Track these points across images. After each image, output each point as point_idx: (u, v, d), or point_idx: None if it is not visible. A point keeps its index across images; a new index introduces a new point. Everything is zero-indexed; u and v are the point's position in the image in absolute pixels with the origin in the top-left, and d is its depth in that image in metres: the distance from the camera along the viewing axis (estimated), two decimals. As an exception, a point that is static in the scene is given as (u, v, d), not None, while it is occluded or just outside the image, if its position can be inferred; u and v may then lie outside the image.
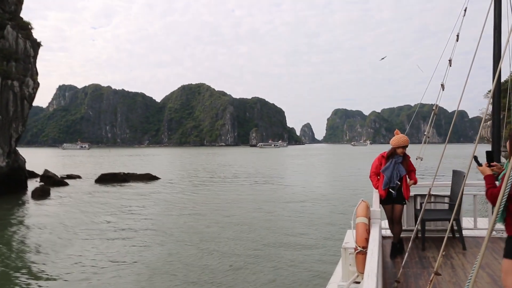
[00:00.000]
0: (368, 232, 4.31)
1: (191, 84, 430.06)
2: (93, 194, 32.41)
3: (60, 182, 38.39)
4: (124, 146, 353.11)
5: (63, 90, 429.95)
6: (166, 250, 15.47)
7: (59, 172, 53.63)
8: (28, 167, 54.59)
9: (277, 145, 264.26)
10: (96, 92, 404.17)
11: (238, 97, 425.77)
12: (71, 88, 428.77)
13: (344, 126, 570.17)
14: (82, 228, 19.85)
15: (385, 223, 6.63)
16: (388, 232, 6.73)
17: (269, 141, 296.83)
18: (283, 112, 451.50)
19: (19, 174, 31.37)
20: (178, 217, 22.25)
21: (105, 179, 41.70)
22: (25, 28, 30.69)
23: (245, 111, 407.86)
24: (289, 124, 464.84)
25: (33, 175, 44.91)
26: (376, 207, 5.48)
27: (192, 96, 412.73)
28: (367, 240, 4.18)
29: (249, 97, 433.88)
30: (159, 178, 44.44)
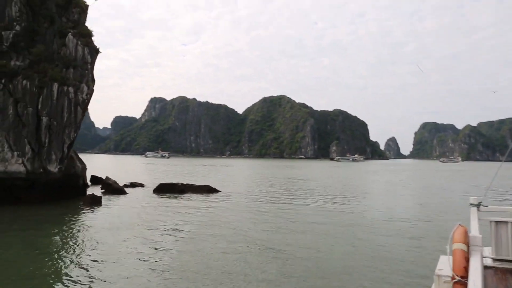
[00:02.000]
0: (466, 260, 4.02)
1: (272, 96, 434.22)
2: (141, 205, 31.02)
3: (118, 190, 38.14)
4: (206, 156, 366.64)
5: (154, 102, 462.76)
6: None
7: (128, 179, 54.86)
8: (103, 173, 56.78)
9: (355, 159, 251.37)
10: (182, 104, 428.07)
11: (319, 109, 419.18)
12: (161, 100, 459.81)
13: (434, 141, 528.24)
14: (112, 242, 18.45)
15: (488, 251, 5.84)
16: (489, 262, 5.80)
17: (347, 155, 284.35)
18: (366, 125, 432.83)
19: (74, 181, 31.20)
20: (207, 241, 19.14)
21: (163, 189, 40.77)
22: (85, 36, 30.76)
23: (326, 124, 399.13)
24: (373, 138, 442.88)
25: (100, 181, 45.86)
26: (476, 232, 4.86)
27: (273, 108, 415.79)
28: (465, 269, 3.91)
29: (331, 109, 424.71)
30: (219, 191, 42.25)
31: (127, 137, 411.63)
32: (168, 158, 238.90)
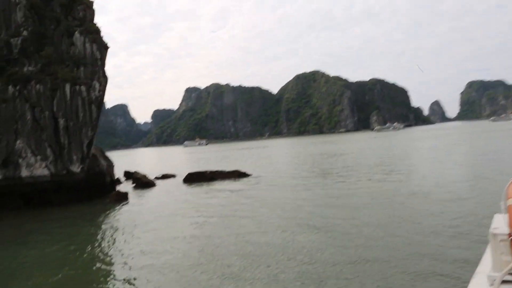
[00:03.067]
0: None
1: (305, 72, 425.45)
2: (167, 197, 30.78)
3: (147, 183, 38.25)
4: (245, 140, 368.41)
5: (189, 92, 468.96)
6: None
7: (162, 170, 55.32)
8: (139, 168, 57.71)
9: (395, 128, 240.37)
10: (217, 90, 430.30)
11: (355, 81, 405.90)
12: (196, 89, 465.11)
13: (482, 99, 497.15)
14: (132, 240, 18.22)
15: None
16: None
17: (387, 124, 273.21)
18: (406, 91, 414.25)
19: (99, 179, 31.36)
20: (237, 225, 18.14)
21: (192, 178, 40.42)
22: (92, 32, 30.31)
23: (364, 94, 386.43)
24: (415, 103, 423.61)
25: (132, 176, 46.35)
26: None
27: (308, 85, 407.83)
28: None
29: (367, 79, 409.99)
30: (249, 175, 41.27)
31: (167, 129, 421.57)
32: (206, 145, 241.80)
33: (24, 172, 28.29)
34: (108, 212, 26.34)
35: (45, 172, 28.31)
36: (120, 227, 21.51)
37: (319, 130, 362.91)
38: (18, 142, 28.19)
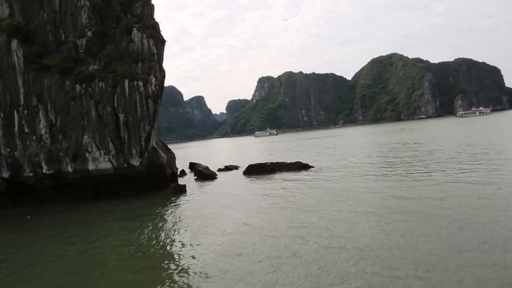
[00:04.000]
0: None
1: (381, 56, 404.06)
2: (225, 190, 30.63)
3: (208, 175, 38.61)
4: (319, 128, 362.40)
5: (262, 81, 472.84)
6: None
7: (227, 161, 55.90)
8: (205, 159, 59.00)
9: (482, 113, 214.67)
10: (289, 79, 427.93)
11: (437, 62, 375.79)
12: (268, 78, 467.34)
13: None
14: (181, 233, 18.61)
15: None
16: None
17: (472, 108, 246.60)
18: (499, 70, 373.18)
19: (160, 172, 32.15)
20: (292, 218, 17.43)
21: (253, 170, 39.93)
22: (149, 28, 30.87)
23: (447, 77, 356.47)
24: (510, 84, 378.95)
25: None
26: None
27: (384, 69, 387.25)
28: None
29: (452, 59, 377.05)
30: (311, 167, 39.68)
31: (241, 119, 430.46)
32: (276, 135, 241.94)
33: (91, 166, 29.95)
34: (165, 204, 26.91)
35: (109, 165, 29.69)
36: (174, 219, 22.15)
37: (397, 117, 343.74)
38: (85, 137, 29.87)
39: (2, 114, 30.55)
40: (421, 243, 13.55)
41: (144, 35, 30.12)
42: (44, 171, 30.67)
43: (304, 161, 41.30)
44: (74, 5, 30.55)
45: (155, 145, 31.93)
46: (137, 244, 17.43)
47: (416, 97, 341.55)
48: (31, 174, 30.76)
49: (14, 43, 29.42)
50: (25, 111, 30.31)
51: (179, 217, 22.33)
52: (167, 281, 12.91)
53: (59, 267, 15.33)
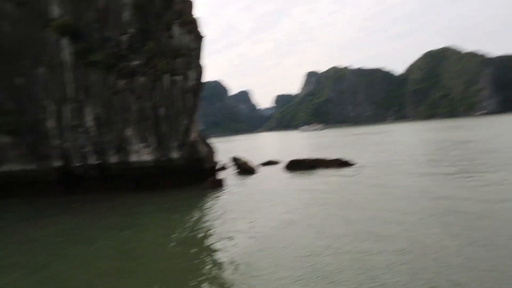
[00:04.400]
0: None
1: (434, 50, 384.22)
2: (262, 185, 30.64)
3: (248, 170, 38.80)
4: (366, 124, 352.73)
5: (309, 76, 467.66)
6: None
7: (268, 156, 55.87)
8: (248, 153, 59.31)
9: None
10: (336, 74, 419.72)
11: (498, 56, 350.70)
12: (315, 73, 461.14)
13: None
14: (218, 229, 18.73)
15: None
16: None
17: None
18: None
19: (199, 165, 32.71)
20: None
21: (293, 165, 39.56)
22: (189, 23, 31.37)
23: (510, 71, 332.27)
24: None
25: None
26: None
27: (437, 63, 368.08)
28: None
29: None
30: (352, 164, 38.63)
31: (287, 113, 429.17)
32: (321, 130, 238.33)
33: (133, 158, 31.16)
34: (203, 197, 27.44)
35: (149, 158, 30.72)
36: (211, 211, 22.69)
37: (451, 113, 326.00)
38: (127, 130, 31.04)
39: (54, 108, 32.49)
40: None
41: (183, 31, 30.67)
42: (91, 162, 32.30)
43: (347, 158, 40.28)
44: (118, 3, 31.71)
45: (194, 139, 32.51)
46: (175, 233, 18.10)
47: (474, 92, 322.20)
48: (79, 164, 32.51)
49: (64, 41, 31.14)
50: (74, 105, 32.00)
51: (217, 210, 22.75)
52: (202, 271, 13.19)
53: (101, 251, 16.40)
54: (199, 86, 30.62)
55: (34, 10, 31.87)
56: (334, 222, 17.55)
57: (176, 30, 30.84)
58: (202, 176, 33.51)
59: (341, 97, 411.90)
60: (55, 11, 31.80)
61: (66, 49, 31.28)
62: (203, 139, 36.51)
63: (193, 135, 32.50)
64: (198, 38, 31.10)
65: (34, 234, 20.31)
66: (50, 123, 32.52)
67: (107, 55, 30.69)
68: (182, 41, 30.59)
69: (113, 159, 31.82)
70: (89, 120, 31.95)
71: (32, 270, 14.54)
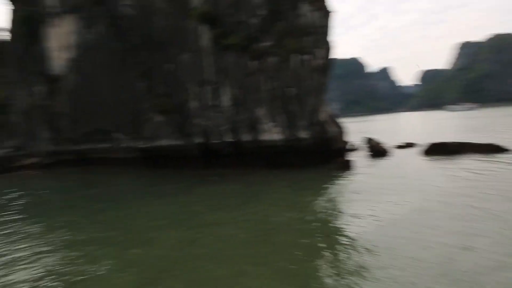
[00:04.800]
0: None
1: None
2: (396, 169, 28.56)
3: (380, 152, 36.62)
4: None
5: (462, 47, 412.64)
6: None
7: (406, 138, 51.69)
8: (386, 134, 56.11)
9: None
10: (499, 42, 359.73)
11: None
12: (470, 44, 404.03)
13: None
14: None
15: None
16: None
17: None
18: None
19: (327, 145, 32.30)
20: None
21: (432, 150, 35.67)
22: (317, 0, 30.60)
23: None
24: None
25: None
26: None
27: None
28: None
29: None
30: (507, 150, 32.85)
31: (433, 91, 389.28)
32: (473, 110, 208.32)
33: (264, 136, 32.50)
34: (330, 177, 27.08)
35: (279, 137, 31.61)
36: (338, 192, 22.75)
37: None
38: (258, 110, 32.38)
39: (197, 89, 35.89)
40: None
41: (311, 9, 30.09)
42: (226, 139, 34.87)
43: (501, 143, 34.49)
44: (250, -14, 32.75)
45: (323, 119, 32.07)
46: (303, 212, 18.63)
47: None
48: (217, 141, 35.44)
49: (204, 28, 33.85)
50: (213, 86, 34.75)
51: (344, 192, 22.53)
52: (330, 250, 13.30)
53: (234, 220, 18.13)
54: (327, 64, 29.85)
55: (179, 3, 35.35)
56: (478, 217, 15.26)
57: (304, 8, 30.44)
58: (330, 157, 32.97)
59: (504, 71, 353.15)
60: (196, 1, 34.66)
61: (205, 35, 33.97)
62: (333, 119, 35.75)
63: (322, 115, 32.04)
64: (326, 15, 30.13)
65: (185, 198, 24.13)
66: (193, 104, 36.08)
67: (240, 38, 32.25)
68: (310, 19, 30.08)
69: (246, 137, 33.68)
70: (225, 100, 34.31)
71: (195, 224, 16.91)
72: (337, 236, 14.74)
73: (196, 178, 31.80)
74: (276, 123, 31.63)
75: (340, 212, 18.26)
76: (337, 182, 25.44)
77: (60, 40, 46.06)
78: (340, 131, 34.91)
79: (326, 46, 29.40)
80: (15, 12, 49.87)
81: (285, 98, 30.94)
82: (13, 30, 50.98)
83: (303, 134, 30.71)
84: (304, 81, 29.97)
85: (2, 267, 14.16)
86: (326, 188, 23.86)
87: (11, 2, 49.80)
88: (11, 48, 52.60)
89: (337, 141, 33.81)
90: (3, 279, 12.91)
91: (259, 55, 31.55)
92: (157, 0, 37.39)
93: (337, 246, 13.55)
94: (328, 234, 15.01)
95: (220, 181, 29.61)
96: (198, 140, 36.48)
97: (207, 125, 35.58)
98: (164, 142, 38.68)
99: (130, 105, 41.33)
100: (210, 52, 34.13)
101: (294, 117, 30.99)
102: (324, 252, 13.10)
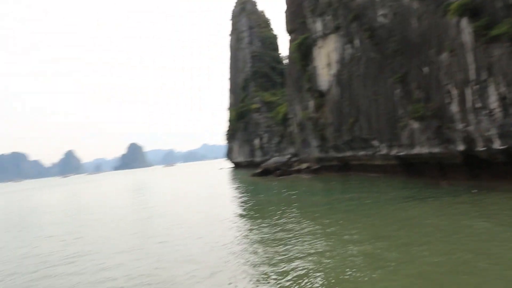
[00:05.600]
0: None
1: None
2: None
3: None
4: None
5: None
6: None
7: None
8: None
9: None
10: None
11: None
12: None
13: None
14: None
15: None
16: None
17: None
18: None
19: None
20: None
21: None
22: None
23: None
24: None
25: None
26: None
27: None
28: None
29: None
30: None
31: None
32: None
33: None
34: None
35: None
36: None
37: None
38: None
39: (457, 91, 32.47)
40: None
41: None
42: (495, 146, 29.82)
43: None
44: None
45: None
46: None
47: None
48: (483, 148, 30.84)
49: (463, 21, 30.21)
50: (476, 86, 30.53)
51: None
52: None
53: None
54: None
55: (433, 0, 33.01)
56: None
57: None
58: None
59: None
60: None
61: (466, 29, 30.24)
62: None
63: None
64: None
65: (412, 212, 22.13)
66: (453, 107, 32.77)
67: (511, 26, 26.98)
68: None
69: (521, 143, 27.78)
70: (492, 102, 29.47)
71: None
72: None
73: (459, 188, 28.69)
74: None
75: None
76: None
77: (325, 59, 51.49)
78: None
79: None
80: (291, 40, 59.40)
81: None
82: (290, 56, 60.81)
83: None
84: None
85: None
86: None
87: (288, 34, 59.69)
88: (290, 70, 62.86)
89: None
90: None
91: None
92: (411, 2, 36.30)
93: None
94: None
95: (473, 195, 25.52)
96: (459, 147, 32.82)
97: (470, 131, 31.50)
98: (420, 150, 36.82)
99: (387, 112, 41.57)
100: (472, 48, 30.16)
101: None
102: None
